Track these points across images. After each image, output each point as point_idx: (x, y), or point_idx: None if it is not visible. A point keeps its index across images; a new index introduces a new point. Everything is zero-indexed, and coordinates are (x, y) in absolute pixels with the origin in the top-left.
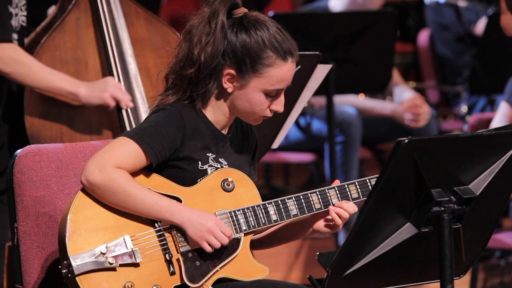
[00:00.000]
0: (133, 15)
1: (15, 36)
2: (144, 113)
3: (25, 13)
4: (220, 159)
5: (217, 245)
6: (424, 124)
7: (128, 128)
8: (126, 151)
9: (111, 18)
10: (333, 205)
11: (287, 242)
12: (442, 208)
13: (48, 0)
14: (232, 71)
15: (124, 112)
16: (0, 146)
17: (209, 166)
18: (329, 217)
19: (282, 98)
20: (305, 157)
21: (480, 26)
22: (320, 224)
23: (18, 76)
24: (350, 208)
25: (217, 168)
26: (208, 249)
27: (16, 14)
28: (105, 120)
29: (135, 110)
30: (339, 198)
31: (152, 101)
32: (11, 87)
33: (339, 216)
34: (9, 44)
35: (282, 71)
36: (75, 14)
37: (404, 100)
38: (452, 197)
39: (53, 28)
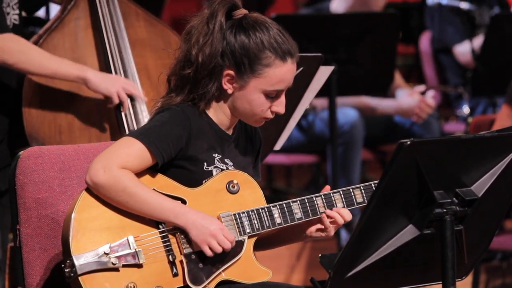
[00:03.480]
0: (133, 16)
1: None
2: (141, 113)
3: (17, 11)
4: (226, 160)
5: (219, 249)
6: (425, 118)
7: (126, 127)
8: (132, 151)
9: (111, 19)
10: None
11: (279, 247)
12: (444, 210)
13: None
14: (231, 72)
15: (123, 113)
16: (1, 139)
17: (214, 167)
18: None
19: (282, 99)
20: (308, 158)
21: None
22: (312, 229)
23: (23, 65)
24: (346, 215)
25: (222, 170)
26: (209, 253)
27: (8, 13)
28: (103, 118)
29: (133, 109)
30: (344, 202)
31: (153, 103)
32: (7, 83)
33: (333, 222)
34: (8, 34)
35: (281, 72)
36: (74, 15)
37: (408, 96)
38: (454, 198)
39: (51, 29)
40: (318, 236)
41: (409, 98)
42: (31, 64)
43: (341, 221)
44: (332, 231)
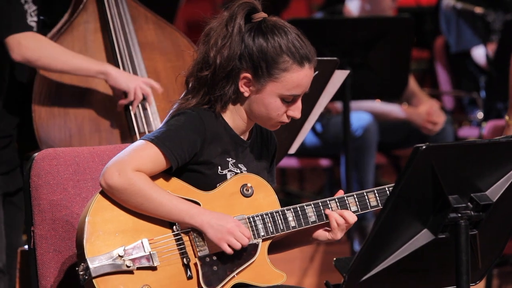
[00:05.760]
0: (142, 19)
1: None
2: (152, 115)
3: (35, 18)
4: (239, 165)
5: (238, 246)
6: (438, 130)
7: (136, 129)
8: (146, 155)
9: (120, 22)
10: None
11: (286, 251)
12: (459, 215)
13: (63, 2)
14: (249, 75)
15: (132, 112)
16: (8, 142)
17: (228, 171)
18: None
19: (299, 104)
20: (321, 162)
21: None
22: (319, 232)
23: (45, 61)
24: (350, 218)
25: (236, 173)
26: (229, 250)
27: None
28: (113, 121)
29: (143, 111)
30: (358, 206)
31: (171, 105)
32: (16, 86)
33: (338, 224)
34: (29, 32)
35: (298, 76)
36: (83, 18)
37: (421, 106)
38: (469, 203)
39: (61, 32)
40: (324, 238)
41: (424, 105)
42: (53, 61)
43: (342, 223)
44: (338, 234)
